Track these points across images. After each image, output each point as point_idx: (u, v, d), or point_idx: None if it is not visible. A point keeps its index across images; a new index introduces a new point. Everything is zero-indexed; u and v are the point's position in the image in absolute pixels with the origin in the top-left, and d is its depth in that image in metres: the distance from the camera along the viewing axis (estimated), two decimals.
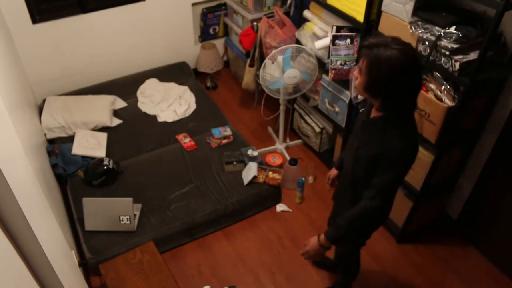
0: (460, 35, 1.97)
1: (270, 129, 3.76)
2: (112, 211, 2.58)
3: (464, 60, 1.97)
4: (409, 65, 1.47)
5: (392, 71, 1.47)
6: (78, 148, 3.11)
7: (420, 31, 2.12)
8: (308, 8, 2.96)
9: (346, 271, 2.34)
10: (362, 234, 2.00)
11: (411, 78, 1.51)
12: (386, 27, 2.34)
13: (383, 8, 2.30)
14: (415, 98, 1.58)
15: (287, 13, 3.68)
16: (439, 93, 2.14)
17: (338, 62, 2.66)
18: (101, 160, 2.93)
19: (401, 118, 1.61)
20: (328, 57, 2.73)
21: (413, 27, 2.14)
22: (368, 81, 1.54)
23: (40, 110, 3.47)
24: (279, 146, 3.52)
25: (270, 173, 3.02)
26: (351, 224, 1.74)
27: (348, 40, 2.59)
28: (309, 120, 3.39)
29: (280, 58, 2.89)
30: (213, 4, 4.11)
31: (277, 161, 3.32)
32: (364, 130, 1.74)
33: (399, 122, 1.60)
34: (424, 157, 2.39)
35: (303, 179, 3.02)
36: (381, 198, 1.68)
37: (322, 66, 2.97)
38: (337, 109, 2.96)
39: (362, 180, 1.75)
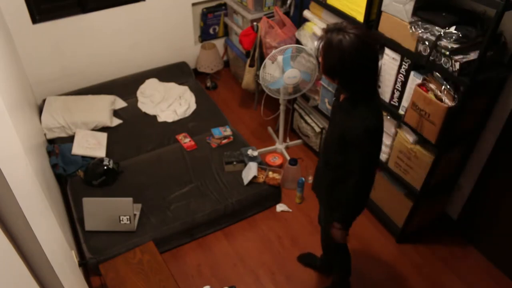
0: (460, 35, 1.97)
1: (270, 129, 3.76)
2: (112, 211, 2.58)
3: (464, 60, 1.97)
4: (359, 49, 1.52)
5: (342, 55, 1.53)
6: (78, 148, 3.11)
7: (420, 31, 2.12)
8: (308, 8, 2.96)
9: (337, 265, 2.35)
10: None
11: (363, 61, 1.55)
12: (386, 27, 2.34)
13: (383, 8, 2.30)
14: (372, 80, 1.64)
15: (287, 13, 3.68)
16: (439, 93, 2.14)
17: None
18: (101, 160, 2.93)
19: (363, 99, 1.65)
20: None
21: (413, 27, 2.14)
22: (324, 65, 1.63)
23: (40, 110, 3.47)
24: (279, 146, 3.52)
25: (270, 173, 3.02)
26: (347, 203, 1.84)
27: None
28: (309, 120, 3.39)
29: (280, 58, 2.89)
30: (213, 4, 4.11)
31: (277, 161, 3.32)
32: (334, 114, 1.82)
33: (361, 103, 1.65)
34: (424, 157, 2.39)
35: (303, 179, 3.02)
36: (359, 174, 1.73)
37: None
38: None
39: (333, 163, 1.81)
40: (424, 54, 2.13)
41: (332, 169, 1.87)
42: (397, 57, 2.34)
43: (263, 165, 3.08)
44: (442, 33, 2.02)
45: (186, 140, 3.29)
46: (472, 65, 1.98)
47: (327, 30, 1.59)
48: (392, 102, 2.51)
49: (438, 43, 2.02)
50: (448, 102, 2.10)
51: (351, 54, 1.52)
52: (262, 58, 3.45)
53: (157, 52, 4.05)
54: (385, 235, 2.88)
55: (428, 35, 2.08)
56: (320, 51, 1.63)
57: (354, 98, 1.67)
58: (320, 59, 1.66)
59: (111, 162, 2.93)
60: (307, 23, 2.98)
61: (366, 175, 1.76)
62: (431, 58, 2.09)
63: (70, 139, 3.21)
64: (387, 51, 2.40)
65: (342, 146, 1.73)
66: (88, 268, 2.55)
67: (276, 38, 3.25)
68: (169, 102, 3.66)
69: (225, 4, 4.14)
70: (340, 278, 2.41)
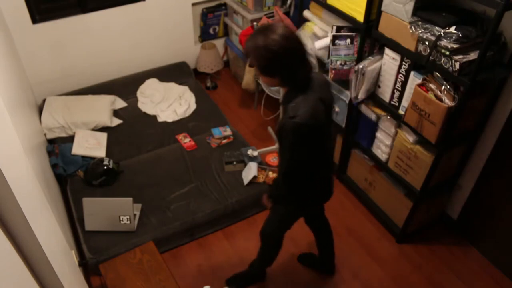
0: (460, 35, 1.97)
1: (270, 129, 3.75)
2: (112, 211, 2.58)
3: (464, 60, 1.97)
4: (285, 38, 1.60)
5: (272, 49, 1.60)
6: (78, 148, 3.11)
7: (420, 31, 2.12)
8: (308, 8, 2.96)
9: (263, 252, 2.39)
10: (285, 218, 2.16)
11: (292, 47, 1.63)
12: (386, 27, 2.34)
13: (383, 8, 2.30)
14: (304, 67, 1.70)
15: (287, 13, 3.68)
16: (439, 93, 2.14)
17: (338, 62, 2.66)
18: (101, 160, 2.93)
19: (301, 92, 1.71)
20: (328, 57, 2.73)
21: (413, 27, 2.14)
22: (260, 67, 1.68)
23: (40, 110, 3.47)
24: None
25: (270, 173, 3.02)
26: (271, 189, 1.99)
27: (348, 40, 2.59)
28: None
29: None
30: (213, 4, 4.11)
31: (277, 161, 3.32)
32: (282, 113, 1.86)
33: (298, 97, 1.70)
34: (424, 157, 2.39)
35: None
36: (283, 171, 1.80)
37: (322, 66, 2.97)
38: (337, 109, 2.96)
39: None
40: (424, 54, 2.13)
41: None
42: (397, 57, 2.34)
43: (263, 165, 3.09)
44: (442, 33, 2.02)
45: (186, 140, 3.29)
46: (472, 65, 1.98)
47: (249, 39, 1.66)
48: (392, 102, 2.51)
49: (438, 43, 2.02)
50: (448, 102, 2.10)
51: (281, 45, 1.59)
52: None
53: (157, 52, 4.05)
54: (385, 235, 2.88)
55: (428, 35, 2.09)
56: (250, 59, 1.68)
57: (294, 91, 1.72)
58: (254, 66, 1.72)
59: (111, 162, 2.93)
60: (307, 23, 2.98)
61: (291, 174, 1.79)
62: (431, 58, 2.10)
63: (70, 139, 3.21)
64: (387, 51, 2.40)
65: (279, 140, 1.77)
66: (88, 268, 2.55)
67: None
68: (169, 102, 3.66)
69: (225, 4, 4.14)
70: (260, 264, 2.46)
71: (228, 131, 3.35)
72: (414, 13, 2.16)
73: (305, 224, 2.94)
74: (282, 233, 2.29)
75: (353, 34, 2.58)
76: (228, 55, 4.45)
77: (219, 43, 4.35)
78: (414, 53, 2.19)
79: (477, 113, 2.33)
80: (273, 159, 3.33)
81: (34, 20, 3.34)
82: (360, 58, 2.60)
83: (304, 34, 2.97)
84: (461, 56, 1.99)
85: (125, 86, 3.81)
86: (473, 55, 1.99)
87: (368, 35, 2.51)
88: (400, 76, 2.38)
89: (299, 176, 1.82)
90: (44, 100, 3.52)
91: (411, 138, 2.45)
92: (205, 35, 4.25)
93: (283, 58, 1.62)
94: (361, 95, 2.58)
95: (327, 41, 2.72)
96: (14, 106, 2.18)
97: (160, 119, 3.53)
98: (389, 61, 2.40)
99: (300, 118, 1.65)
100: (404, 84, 2.37)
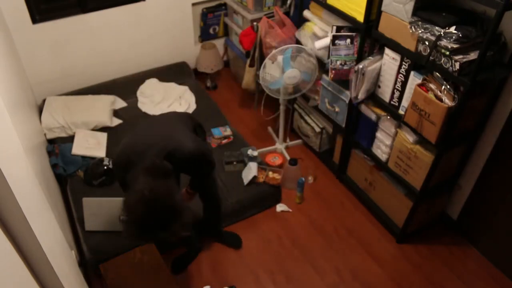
0: (460, 35, 1.97)
1: (270, 129, 3.75)
2: (112, 211, 2.58)
3: (464, 60, 1.97)
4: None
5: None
6: (78, 148, 3.11)
7: (420, 31, 2.12)
8: (308, 8, 2.96)
9: (218, 207, 2.62)
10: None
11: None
12: (386, 27, 2.34)
13: (383, 8, 2.30)
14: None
15: (287, 13, 3.68)
16: (439, 93, 2.14)
17: (338, 62, 2.66)
18: (101, 160, 2.93)
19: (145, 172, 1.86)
20: (328, 57, 2.73)
21: (413, 27, 2.14)
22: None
23: (40, 110, 3.47)
24: (279, 146, 3.52)
25: (270, 173, 3.02)
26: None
27: (348, 40, 2.59)
28: (309, 120, 3.39)
29: (280, 58, 2.89)
30: (213, 4, 4.11)
31: (277, 161, 3.32)
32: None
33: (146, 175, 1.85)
34: (424, 157, 2.39)
35: (303, 179, 3.02)
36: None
37: (322, 66, 2.97)
38: (337, 109, 2.96)
39: None
40: (424, 54, 2.13)
41: None
42: (397, 57, 2.34)
43: (263, 165, 3.08)
44: (442, 33, 2.02)
45: None
46: (472, 65, 1.98)
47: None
48: (392, 102, 2.51)
49: (438, 43, 2.02)
50: (448, 102, 2.10)
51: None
52: (262, 58, 3.45)
53: (157, 52, 4.05)
54: (385, 235, 2.88)
55: (428, 35, 2.08)
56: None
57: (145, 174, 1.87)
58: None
59: (111, 162, 2.93)
60: (307, 23, 2.98)
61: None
62: (431, 58, 2.09)
63: (70, 139, 3.21)
64: (387, 51, 2.40)
65: None
66: (88, 268, 2.55)
67: (276, 38, 3.25)
68: (169, 102, 3.66)
69: (225, 4, 4.14)
70: (220, 220, 2.73)
71: (228, 131, 3.35)
72: (414, 13, 2.16)
73: (305, 225, 2.94)
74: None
75: (353, 34, 2.58)
76: (228, 55, 4.45)
77: (219, 43, 4.35)
78: (414, 53, 2.19)
79: (477, 113, 2.33)
80: (273, 159, 3.33)
81: (34, 20, 3.34)
82: (360, 58, 2.60)
83: (304, 34, 2.98)
84: (461, 56, 1.99)
85: (125, 86, 3.80)
86: (473, 55, 1.99)
87: (368, 35, 2.51)
88: (400, 76, 2.38)
89: None
90: (44, 100, 3.52)
91: (411, 138, 2.45)
92: (205, 35, 4.25)
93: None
94: (361, 95, 2.58)
95: (327, 41, 2.72)
96: (14, 106, 2.18)
97: None
98: (389, 61, 2.41)
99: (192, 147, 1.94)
100: (404, 84, 2.37)
